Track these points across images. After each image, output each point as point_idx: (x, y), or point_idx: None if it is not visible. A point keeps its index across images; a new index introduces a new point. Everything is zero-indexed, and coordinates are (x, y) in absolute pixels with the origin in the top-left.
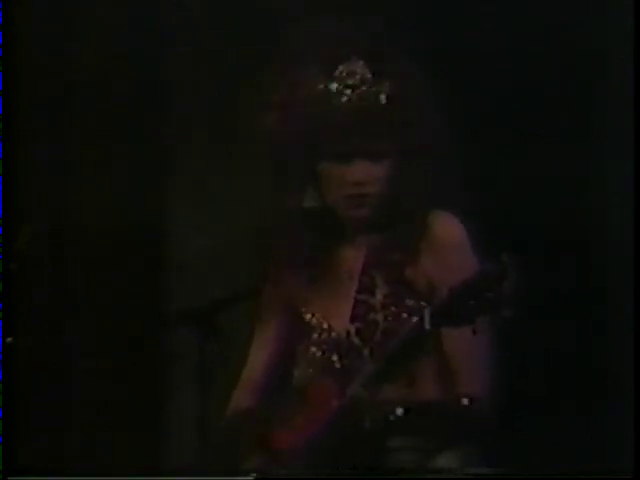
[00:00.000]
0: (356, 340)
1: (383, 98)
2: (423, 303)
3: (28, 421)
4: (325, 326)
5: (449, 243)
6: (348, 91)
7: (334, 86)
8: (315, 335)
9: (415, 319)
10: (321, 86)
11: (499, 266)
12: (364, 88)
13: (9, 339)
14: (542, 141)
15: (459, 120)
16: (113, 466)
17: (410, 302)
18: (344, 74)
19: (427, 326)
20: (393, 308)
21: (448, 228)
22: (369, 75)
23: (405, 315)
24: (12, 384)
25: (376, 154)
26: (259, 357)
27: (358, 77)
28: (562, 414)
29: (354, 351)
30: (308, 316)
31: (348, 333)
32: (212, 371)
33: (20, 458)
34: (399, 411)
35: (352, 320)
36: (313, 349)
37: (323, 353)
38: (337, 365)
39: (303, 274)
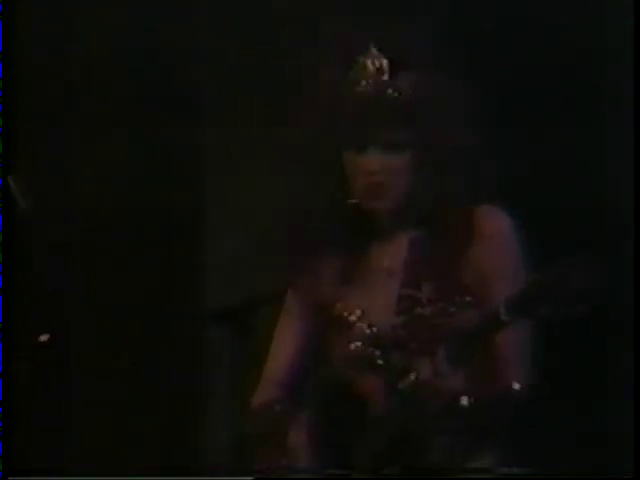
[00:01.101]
0: (402, 334)
1: (401, 89)
2: (468, 298)
3: (28, 421)
4: (365, 322)
5: (497, 236)
6: (364, 82)
7: (353, 76)
8: (355, 331)
9: (470, 312)
10: (339, 76)
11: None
12: (384, 78)
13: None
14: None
15: (481, 113)
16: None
17: (458, 297)
18: (362, 64)
19: (503, 317)
20: (441, 303)
21: (495, 221)
22: (386, 65)
23: (453, 309)
24: (12, 385)
25: (390, 144)
26: (283, 352)
27: (375, 67)
28: (562, 414)
29: (400, 345)
30: (345, 313)
31: (394, 327)
32: (245, 370)
33: (20, 458)
34: (464, 400)
35: (397, 314)
36: (353, 345)
37: (364, 349)
38: (380, 361)
39: (337, 271)
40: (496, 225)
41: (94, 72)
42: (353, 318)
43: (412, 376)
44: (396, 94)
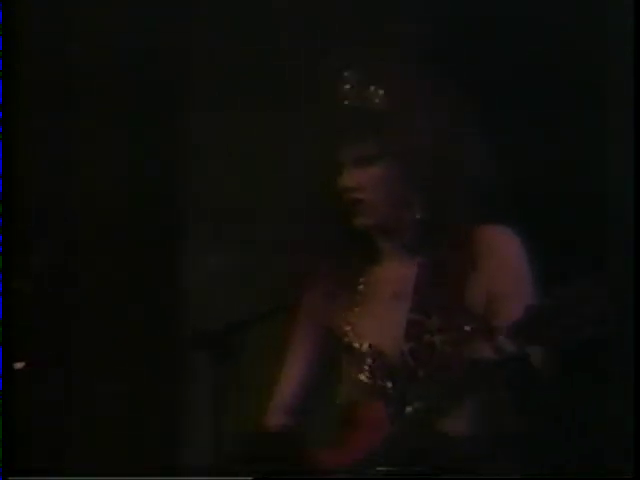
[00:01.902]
0: (410, 360)
1: (379, 102)
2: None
3: (28, 421)
4: (372, 347)
5: (507, 257)
6: (347, 95)
7: (337, 91)
8: (361, 356)
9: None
10: (326, 92)
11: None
12: (363, 93)
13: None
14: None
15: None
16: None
17: (469, 325)
18: (344, 79)
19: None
20: (450, 331)
21: (505, 242)
22: (367, 80)
23: (463, 338)
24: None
25: (365, 159)
26: (292, 376)
27: (356, 81)
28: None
29: (407, 371)
30: (351, 337)
31: (402, 353)
32: (225, 393)
33: (20, 458)
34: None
35: (406, 340)
36: (359, 370)
37: (371, 374)
38: (388, 385)
39: (344, 294)
40: (506, 246)
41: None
42: (362, 349)
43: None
44: (376, 106)
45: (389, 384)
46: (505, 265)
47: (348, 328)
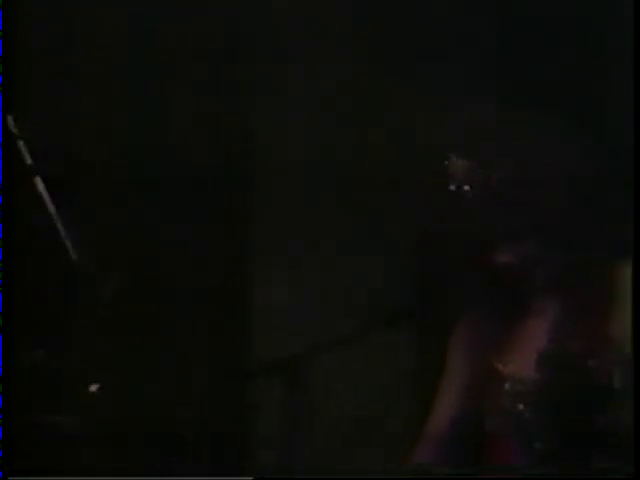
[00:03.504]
0: (546, 392)
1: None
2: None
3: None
4: (516, 376)
5: None
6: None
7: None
8: (506, 385)
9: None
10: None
11: None
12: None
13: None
14: None
15: None
16: None
17: (610, 355)
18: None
19: None
20: (590, 361)
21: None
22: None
23: (605, 368)
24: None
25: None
26: (447, 408)
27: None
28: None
29: (543, 403)
30: (500, 366)
31: (536, 383)
32: (296, 423)
33: (20, 458)
34: None
35: (541, 370)
36: (503, 399)
37: (513, 404)
38: (527, 415)
39: (495, 324)
40: None
41: None
42: (507, 372)
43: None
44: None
45: (525, 412)
46: None
47: (495, 359)
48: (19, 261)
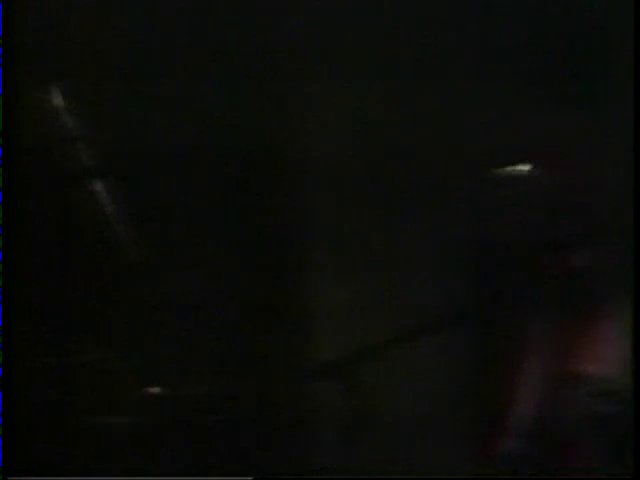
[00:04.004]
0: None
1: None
2: None
3: (28, 421)
4: (594, 373)
5: None
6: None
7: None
8: (584, 383)
9: None
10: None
11: None
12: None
13: None
14: None
15: None
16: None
17: None
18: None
19: None
20: None
21: None
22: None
23: None
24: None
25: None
26: (523, 406)
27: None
28: None
29: (617, 398)
30: (577, 365)
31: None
32: (355, 423)
33: (20, 458)
34: None
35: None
36: (581, 396)
37: (592, 400)
38: (605, 410)
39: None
40: None
41: None
42: (585, 370)
43: None
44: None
45: (606, 407)
46: None
47: (573, 357)
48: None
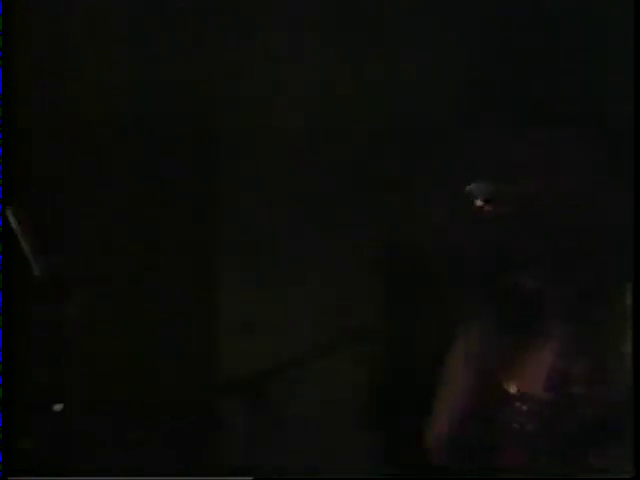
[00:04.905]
0: (547, 410)
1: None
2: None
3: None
4: (519, 393)
5: None
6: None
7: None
8: (510, 401)
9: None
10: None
11: None
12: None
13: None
14: None
15: None
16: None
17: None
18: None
19: None
20: (595, 383)
21: None
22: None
23: (606, 391)
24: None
25: None
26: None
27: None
28: None
29: (543, 421)
30: (505, 383)
31: (541, 404)
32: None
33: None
34: None
35: (546, 390)
36: (506, 416)
37: (516, 421)
38: (529, 430)
39: (504, 339)
40: None
41: None
42: (511, 393)
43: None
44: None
45: (532, 429)
46: None
47: (502, 373)
48: None
